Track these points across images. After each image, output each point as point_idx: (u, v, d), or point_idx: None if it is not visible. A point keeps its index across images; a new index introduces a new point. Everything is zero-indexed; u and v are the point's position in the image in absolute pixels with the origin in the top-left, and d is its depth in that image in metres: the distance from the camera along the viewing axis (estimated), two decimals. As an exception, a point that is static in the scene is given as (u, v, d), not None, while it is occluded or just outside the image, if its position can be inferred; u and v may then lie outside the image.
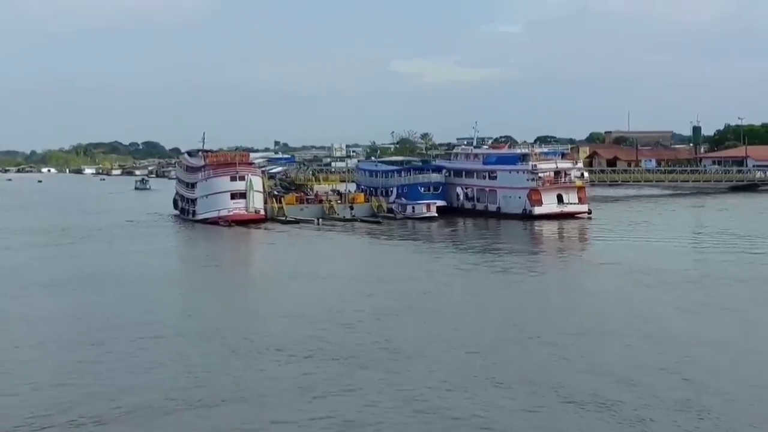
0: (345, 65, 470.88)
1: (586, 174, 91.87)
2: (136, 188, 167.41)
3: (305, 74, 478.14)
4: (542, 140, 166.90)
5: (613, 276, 45.98)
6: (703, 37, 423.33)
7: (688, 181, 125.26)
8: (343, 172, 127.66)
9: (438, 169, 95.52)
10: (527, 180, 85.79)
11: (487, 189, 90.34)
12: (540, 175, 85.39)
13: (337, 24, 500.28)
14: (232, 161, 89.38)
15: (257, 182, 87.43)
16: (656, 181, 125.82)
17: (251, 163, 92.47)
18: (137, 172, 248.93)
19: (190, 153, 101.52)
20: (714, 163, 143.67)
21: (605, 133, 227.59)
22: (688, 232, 70.43)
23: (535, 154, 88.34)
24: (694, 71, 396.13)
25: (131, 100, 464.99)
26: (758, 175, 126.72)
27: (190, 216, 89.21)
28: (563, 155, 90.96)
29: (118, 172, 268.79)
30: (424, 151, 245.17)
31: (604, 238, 66.88)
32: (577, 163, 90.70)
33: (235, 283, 48.91)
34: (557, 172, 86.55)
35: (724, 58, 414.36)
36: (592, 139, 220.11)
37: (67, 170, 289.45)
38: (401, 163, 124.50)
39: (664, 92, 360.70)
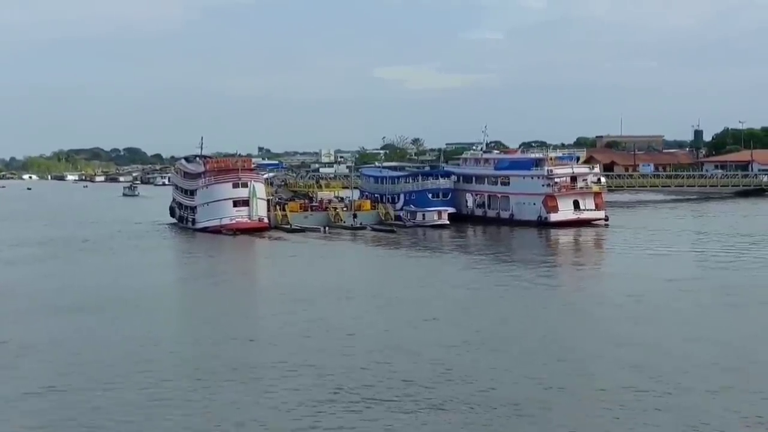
0: (327, 72, 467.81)
1: (603, 179, 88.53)
2: (124, 194, 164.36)
3: (287, 81, 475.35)
4: (527, 146, 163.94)
5: (673, 296, 41.80)
6: (687, 43, 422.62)
7: (694, 185, 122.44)
8: (338, 177, 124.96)
9: (447, 175, 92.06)
10: (542, 186, 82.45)
11: (500, 195, 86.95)
12: (556, 180, 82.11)
13: (317, 32, 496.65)
14: (233, 167, 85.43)
15: (260, 189, 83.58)
16: (662, 186, 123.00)
17: (253, 169, 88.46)
18: (121, 179, 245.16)
19: (187, 159, 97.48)
20: (717, 167, 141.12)
21: (596, 137, 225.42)
22: (720, 241, 66.38)
23: (551, 159, 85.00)
24: (678, 77, 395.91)
25: (111, 107, 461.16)
26: (765, 179, 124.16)
27: (190, 224, 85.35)
28: (578, 160, 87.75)
29: (102, 178, 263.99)
30: (414, 156, 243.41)
31: (636, 248, 62.85)
32: (594, 168, 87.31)
33: (269, 307, 41.79)
34: (573, 178, 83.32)
35: (709, 65, 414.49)
36: (580, 143, 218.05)
37: (49, 177, 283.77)
38: (401, 168, 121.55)
39: (648, 98, 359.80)
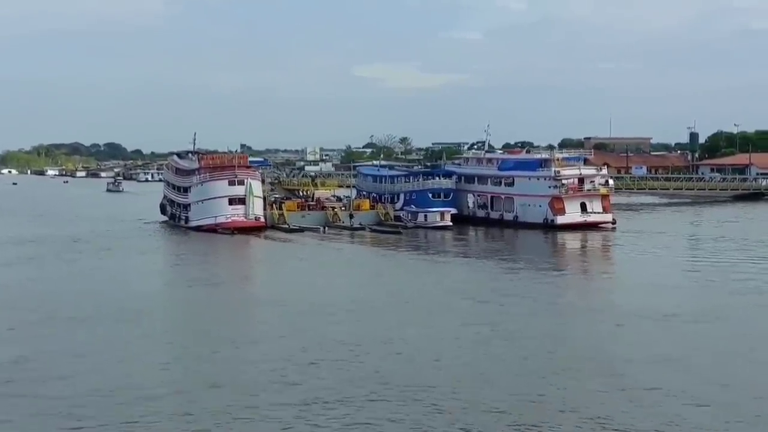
0: (307, 70, 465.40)
1: (611, 181, 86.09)
2: (108, 190, 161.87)
3: (267, 79, 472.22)
4: (508, 147, 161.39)
5: (701, 311, 38.69)
6: (670, 45, 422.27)
7: (693, 189, 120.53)
8: (332, 176, 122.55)
9: (448, 175, 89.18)
10: (549, 187, 79.97)
11: (503, 196, 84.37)
12: (563, 182, 79.62)
13: (297, 29, 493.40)
14: (229, 163, 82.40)
15: (257, 187, 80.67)
16: (660, 189, 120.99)
17: (250, 166, 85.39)
18: (103, 174, 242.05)
19: (179, 154, 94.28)
20: (713, 170, 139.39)
21: (584, 139, 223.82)
22: (741, 249, 63.05)
23: (557, 160, 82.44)
24: (662, 80, 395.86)
25: (91, 102, 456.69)
26: (764, 183, 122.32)
27: (183, 222, 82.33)
28: (585, 161, 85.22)
29: (83, 173, 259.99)
30: (401, 156, 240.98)
31: (651, 255, 60.03)
32: (601, 169, 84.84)
33: (298, 324, 35.39)
34: (581, 179, 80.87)
35: (693, 67, 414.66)
36: (564, 145, 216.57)
37: (29, 171, 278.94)
38: (391, 167, 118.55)
39: (632, 100, 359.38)
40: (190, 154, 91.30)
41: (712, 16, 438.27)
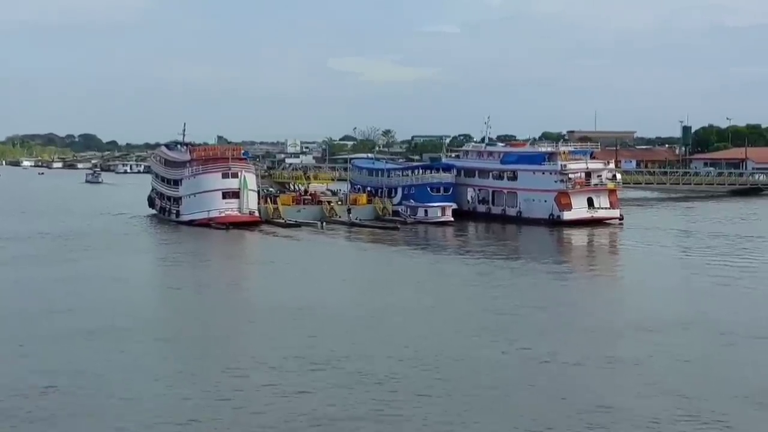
0: (282, 63, 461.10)
1: (618, 176, 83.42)
2: (87, 181, 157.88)
3: (242, 71, 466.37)
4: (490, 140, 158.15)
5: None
6: (644, 42, 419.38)
7: (689, 183, 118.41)
8: (325, 169, 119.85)
9: (448, 168, 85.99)
10: (555, 182, 77.21)
11: (506, 191, 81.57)
12: (570, 176, 76.89)
13: (271, 22, 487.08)
14: (223, 156, 79.02)
15: (252, 180, 77.43)
16: (657, 183, 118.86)
17: (243, 158, 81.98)
18: (80, 165, 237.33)
19: (168, 146, 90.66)
20: (706, 164, 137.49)
21: (568, 132, 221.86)
22: (743, 246, 60.97)
23: (563, 153, 79.60)
24: (632, 76, 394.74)
25: (65, 93, 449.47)
26: (761, 178, 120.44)
27: (173, 216, 78.90)
28: (592, 154, 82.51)
29: (60, 165, 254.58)
30: (384, 149, 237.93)
31: (664, 253, 57.96)
32: (608, 163, 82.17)
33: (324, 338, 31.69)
34: (588, 173, 78.15)
35: (671, 64, 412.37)
36: (547, 138, 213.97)
37: (4, 162, 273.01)
38: (377, 160, 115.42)
39: (604, 95, 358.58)
40: (179, 146, 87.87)
41: (684, 13, 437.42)
